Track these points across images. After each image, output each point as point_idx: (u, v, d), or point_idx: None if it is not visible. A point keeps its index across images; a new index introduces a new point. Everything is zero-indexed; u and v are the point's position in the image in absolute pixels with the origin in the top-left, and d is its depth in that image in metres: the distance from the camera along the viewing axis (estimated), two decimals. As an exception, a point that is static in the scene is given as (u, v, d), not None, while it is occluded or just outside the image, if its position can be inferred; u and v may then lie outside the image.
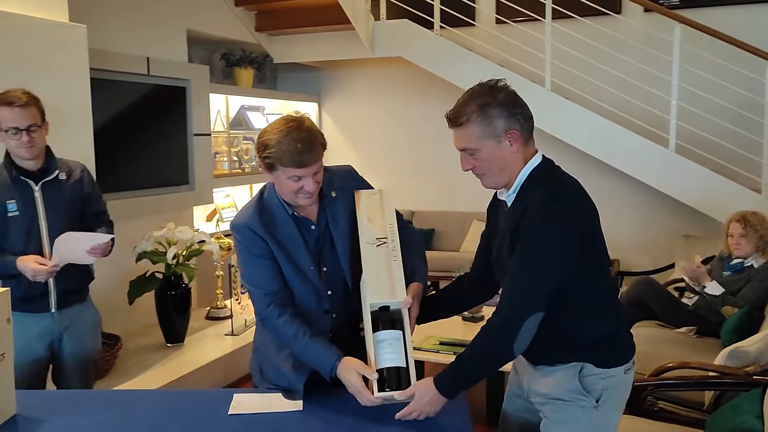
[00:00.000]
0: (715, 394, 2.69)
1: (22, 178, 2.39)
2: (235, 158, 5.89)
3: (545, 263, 1.63)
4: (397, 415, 1.67)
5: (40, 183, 2.42)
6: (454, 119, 1.71)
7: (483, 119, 1.66)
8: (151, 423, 1.79)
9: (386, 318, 1.78)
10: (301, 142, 1.74)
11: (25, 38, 2.90)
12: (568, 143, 5.16)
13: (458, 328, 3.78)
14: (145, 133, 4.40)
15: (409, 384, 1.71)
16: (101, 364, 3.38)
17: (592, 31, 5.19)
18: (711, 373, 2.69)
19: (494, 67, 5.25)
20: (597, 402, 1.73)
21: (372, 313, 1.79)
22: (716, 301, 3.45)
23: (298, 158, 1.74)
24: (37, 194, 2.42)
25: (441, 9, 5.43)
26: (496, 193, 1.86)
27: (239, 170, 5.85)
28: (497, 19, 5.72)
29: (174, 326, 4.04)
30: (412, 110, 6.56)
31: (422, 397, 1.67)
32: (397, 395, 1.68)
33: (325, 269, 1.91)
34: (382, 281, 1.79)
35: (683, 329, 3.58)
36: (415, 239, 2.07)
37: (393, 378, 1.71)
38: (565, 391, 1.74)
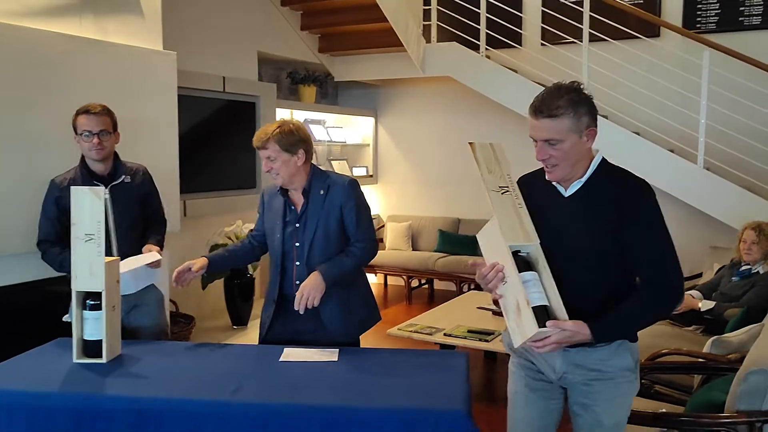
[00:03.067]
0: (702, 378, 3.04)
1: (93, 181, 2.72)
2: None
3: (667, 236, 1.87)
4: (524, 345, 1.80)
5: (109, 186, 2.77)
6: (546, 110, 1.81)
7: (574, 114, 1.79)
8: (223, 366, 2.33)
9: (521, 260, 1.84)
10: (260, 132, 2.48)
11: (127, 64, 3.55)
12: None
13: (488, 321, 4.23)
14: (220, 142, 5.05)
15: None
16: (178, 339, 4.00)
17: (627, 53, 5.56)
18: (699, 360, 3.05)
19: (535, 87, 5.67)
20: (635, 375, 1.93)
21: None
22: (717, 312, 3.77)
23: (255, 143, 2.49)
24: (106, 196, 2.70)
25: (487, 33, 5.90)
26: (530, 176, 2.06)
27: (300, 177, 6.45)
28: (541, 43, 6.16)
29: (239, 311, 4.64)
30: (460, 124, 7.04)
31: (573, 335, 1.77)
32: (551, 327, 1.75)
33: (297, 244, 2.55)
34: (514, 225, 1.85)
35: (691, 327, 3.92)
36: (356, 253, 2.59)
37: (543, 316, 1.77)
38: (619, 369, 1.89)
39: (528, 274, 1.82)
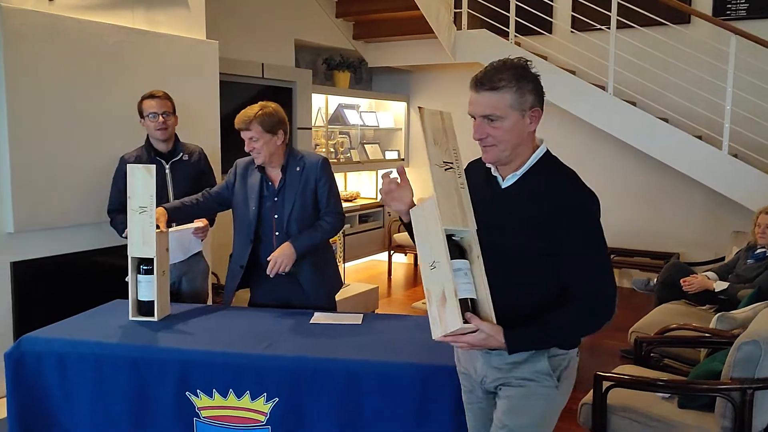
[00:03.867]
0: (707, 351, 3.22)
1: (157, 158, 3.13)
2: (332, 150, 6.76)
3: (604, 246, 1.72)
4: (441, 338, 1.63)
5: (170, 162, 3.17)
6: (488, 82, 1.66)
7: (517, 89, 1.65)
8: (258, 326, 2.60)
9: (454, 246, 1.67)
10: (242, 115, 2.74)
11: (173, 53, 3.83)
12: (629, 144, 5.66)
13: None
14: (258, 126, 5.33)
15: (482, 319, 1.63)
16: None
17: (654, 40, 5.65)
18: (705, 335, 3.22)
19: (563, 73, 5.82)
20: (558, 382, 1.75)
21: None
22: (731, 292, 3.91)
23: (238, 125, 2.75)
24: (167, 171, 3.14)
25: (517, 20, 6.04)
26: (476, 162, 1.91)
27: (335, 160, 6.71)
28: (571, 30, 6.28)
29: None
30: (491, 110, 7.19)
31: (487, 339, 1.61)
32: (466, 325, 1.59)
33: (276, 216, 2.81)
34: (453, 206, 1.67)
35: (705, 307, 4.07)
36: (324, 226, 2.84)
37: (468, 310, 1.62)
38: (532, 372, 1.73)
39: (459, 263, 1.65)
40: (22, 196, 3.08)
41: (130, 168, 2.56)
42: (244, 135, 2.74)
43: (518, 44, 6.09)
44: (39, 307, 3.24)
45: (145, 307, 2.58)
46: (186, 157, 3.24)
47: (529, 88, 1.68)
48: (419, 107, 1.79)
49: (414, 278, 7.04)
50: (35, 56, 3.11)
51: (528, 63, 1.71)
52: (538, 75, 1.71)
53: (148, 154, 3.16)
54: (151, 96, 3.13)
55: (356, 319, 2.64)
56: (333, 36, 6.44)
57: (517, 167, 1.76)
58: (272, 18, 5.51)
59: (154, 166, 2.63)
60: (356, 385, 2.20)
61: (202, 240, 3.11)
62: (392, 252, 7.14)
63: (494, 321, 1.63)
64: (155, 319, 2.57)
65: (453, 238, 1.69)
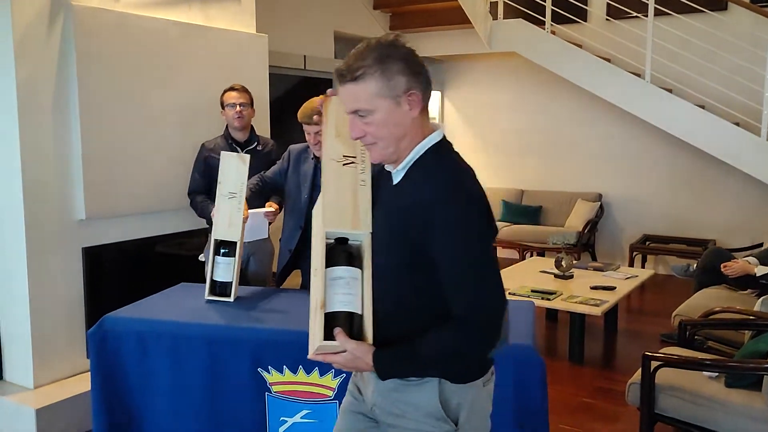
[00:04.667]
0: (751, 334, 3.29)
1: (234, 145, 3.43)
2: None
3: (484, 258, 1.40)
4: (312, 356, 1.46)
5: (245, 150, 3.42)
6: (347, 73, 1.40)
7: (382, 74, 1.38)
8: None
9: (342, 252, 1.50)
10: (306, 109, 2.81)
11: (227, 46, 3.97)
12: (666, 131, 5.70)
13: (550, 283, 4.54)
14: (300, 116, 5.47)
15: (361, 337, 1.44)
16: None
17: (692, 28, 5.67)
18: (749, 317, 3.29)
19: (599, 61, 5.86)
20: (456, 427, 1.47)
21: (327, 244, 1.52)
22: None
23: (304, 118, 2.85)
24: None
25: (552, 9, 6.09)
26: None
27: (371, 149, 6.84)
28: (606, 18, 6.31)
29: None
30: (523, 98, 7.27)
31: (354, 360, 1.42)
32: (327, 343, 1.41)
33: None
34: (344, 207, 1.53)
35: (747, 291, 4.13)
36: None
37: (345, 326, 1.42)
38: (422, 416, 1.46)
39: (341, 270, 1.46)
40: (93, 185, 3.25)
41: (225, 155, 2.71)
42: (311, 128, 2.87)
43: (553, 33, 6.14)
44: (108, 289, 3.42)
45: (220, 288, 2.71)
46: (260, 147, 3.50)
47: (398, 69, 1.39)
48: (326, 94, 1.61)
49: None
50: (104, 52, 3.26)
51: (397, 38, 1.43)
52: (411, 50, 1.43)
53: (225, 141, 3.44)
54: (231, 88, 3.45)
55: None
56: (370, 27, 6.54)
57: (400, 161, 1.49)
58: (313, 10, 5.63)
59: (249, 156, 2.77)
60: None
61: (270, 223, 3.25)
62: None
63: (370, 340, 1.43)
64: (231, 299, 2.69)
65: (348, 242, 1.52)
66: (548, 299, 4.10)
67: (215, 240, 2.67)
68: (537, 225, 6.91)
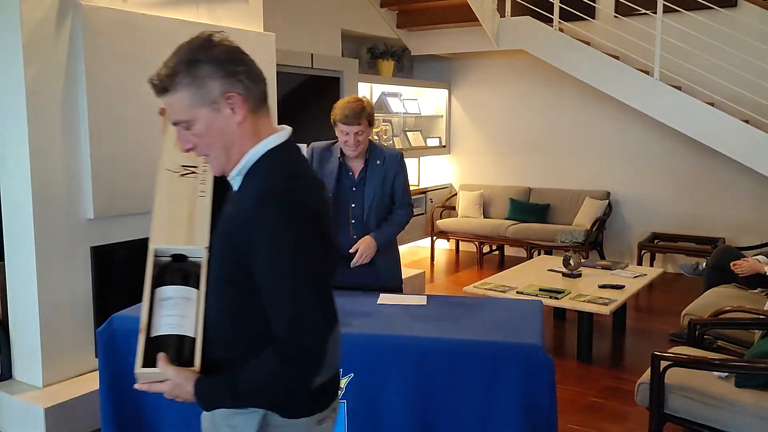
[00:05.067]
0: (762, 333, 3.26)
1: None
2: (376, 137, 6.88)
3: (301, 275, 1.26)
4: (140, 387, 1.34)
5: None
6: (159, 83, 1.31)
7: (192, 81, 1.28)
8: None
9: (177, 270, 1.41)
10: (350, 109, 2.77)
11: (234, 45, 3.97)
12: (675, 129, 5.67)
13: (558, 281, 4.52)
14: (309, 115, 5.46)
15: (191, 363, 1.33)
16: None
17: (701, 25, 5.63)
18: (760, 317, 3.27)
19: (607, 59, 5.83)
20: None
21: (161, 261, 1.42)
22: None
23: (345, 119, 2.78)
24: None
25: (560, 7, 6.06)
26: None
27: (378, 148, 6.83)
28: (615, 15, 6.28)
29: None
30: (531, 96, 7.25)
31: (175, 388, 1.31)
32: (151, 371, 1.30)
33: (353, 205, 2.93)
34: (179, 220, 1.46)
35: (757, 290, 4.10)
36: (400, 219, 3.00)
37: (172, 350, 1.32)
38: None
39: (173, 290, 1.37)
40: (101, 185, 3.26)
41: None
42: (350, 129, 2.80)
43: (561, 30, 6.11)
44: (116, 288, 3.43)
45: None
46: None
47: (209, 73, 1.29)
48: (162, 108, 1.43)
49: (456, 264, 7.14)
50: (112, 52, 3.27)
51: (209, 37, 1.33)
52: (227, 47, 1.33)
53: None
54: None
55: (421, 300, 2.76)
56: (377, 25, 6.53)
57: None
58: (320, 8, 5.63)
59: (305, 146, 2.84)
60: (426, 361, 2.31)
61: None
62: (435, 238, 7.25)
63: (197, 365, 1.33)
64: None
65: (188, 259, 1.43)
66: (556, 298, 4.09)
67: None
68: (544, 223, 6.89)
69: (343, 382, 2.39)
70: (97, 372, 2.57)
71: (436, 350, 2.32)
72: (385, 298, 2.79)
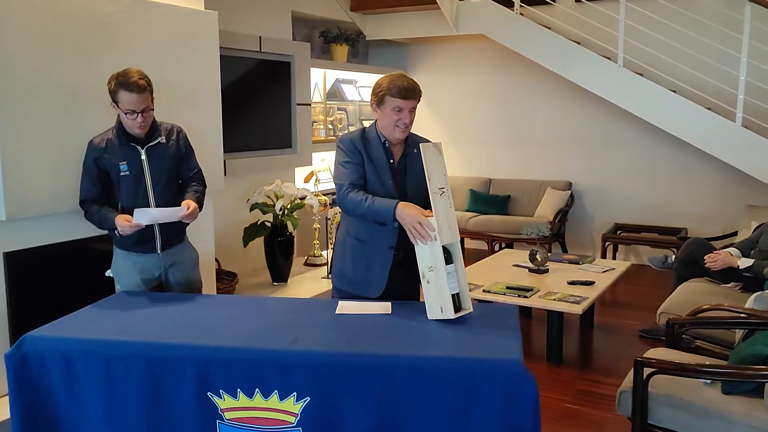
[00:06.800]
0: (743, 333, 3.08)
1: (130, 143, 2.74)
2: (330, 126, 6.53)
3: None
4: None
5: (146, 147, 2.76)
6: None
7: None
8: (280, 318, 2.41)
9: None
10: (407, 82, 2.47)
11: (170, 24, 3.57)
12: (639, 117, 5.50)
13: (524, 278, 4.29)
14: (257, 102, 5.09)
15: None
16: (222, 294, 4.11)
17: (665, 9, 5.46)
18: (741, 315, 3.09)
19: (570, 44, 5.62)
20: None
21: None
22: (756, 269, 3.77)
23: (404, 92, 2.45)
24: (143, 157, 2.76)
25: (521, -11, 5.83)
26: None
27: (333, 137, 6.49)
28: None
29: (279, 268, 4.74)
30: (491, 83, 7.00)
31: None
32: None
33: (397, 192, 2.57)
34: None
35: (730, 285, 3.94)
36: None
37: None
38: None
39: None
40: (13, 183, 2.84)
41: (422, 146, 2.34)
42: (407, 103, 2.46)
43: (522, 14, 5.87)
44: (34, 299, 3.03)
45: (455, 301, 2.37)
46: (163, 140, 2.83)
47: None
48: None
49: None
50: (25, 33, 2.85)
51: None
52: None
53: (119, 139, 2.75)
54: (126, 86, 2.61)
55: (385, 308, 2.46)
56: (330, 7, 6.16)
57: None
58: (268, -12, 5.23)
59: (440, 142, 2.46)
60: (392, 382, 2.03)
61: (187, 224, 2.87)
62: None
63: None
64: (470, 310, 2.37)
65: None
66: (525, 296, 3.85)
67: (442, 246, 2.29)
68: (505, 215, 6.67)
69: (298, 408, 2.09)
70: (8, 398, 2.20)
71: (402, 369, 2.03)
72: (344, 307, 2.48)
